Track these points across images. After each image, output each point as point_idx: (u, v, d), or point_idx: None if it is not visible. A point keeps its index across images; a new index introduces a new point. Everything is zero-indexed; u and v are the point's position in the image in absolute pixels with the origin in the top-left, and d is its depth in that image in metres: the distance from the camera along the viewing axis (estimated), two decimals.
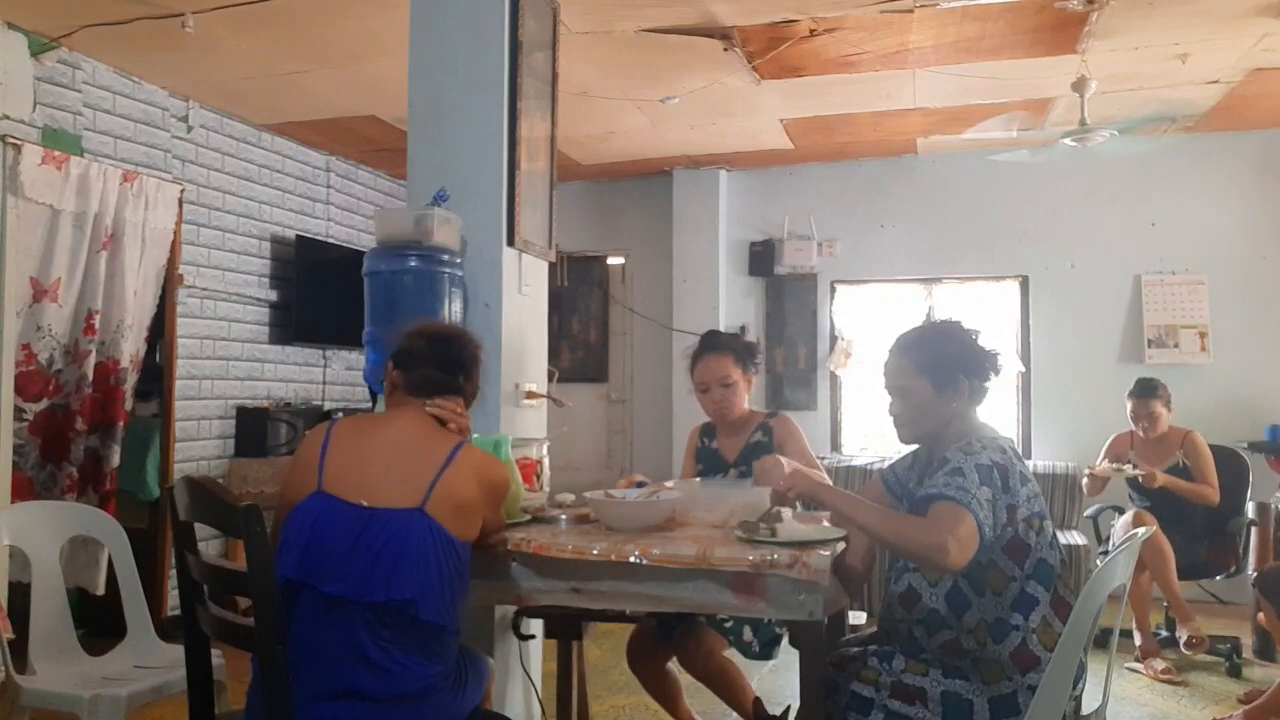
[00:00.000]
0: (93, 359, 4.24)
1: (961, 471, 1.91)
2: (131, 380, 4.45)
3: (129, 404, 4.45)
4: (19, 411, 3.99)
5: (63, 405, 4.15)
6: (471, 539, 1.96)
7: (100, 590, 4.00)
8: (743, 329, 6.41)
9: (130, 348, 4.41)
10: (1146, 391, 4.51)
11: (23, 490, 3.97)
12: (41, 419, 4.07)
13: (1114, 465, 4.51)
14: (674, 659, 2.90)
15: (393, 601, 1.80)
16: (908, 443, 2.18)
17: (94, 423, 4.29)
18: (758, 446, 2.94)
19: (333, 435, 1.96)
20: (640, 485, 2.51)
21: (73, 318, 4.17)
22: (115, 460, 4.34)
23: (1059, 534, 5.14)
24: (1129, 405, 4.56)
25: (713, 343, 3.01)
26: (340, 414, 4.92)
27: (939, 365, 2.07)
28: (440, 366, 2.07)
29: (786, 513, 2.12)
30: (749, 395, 3.00)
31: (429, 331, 2.15)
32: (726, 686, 2.77)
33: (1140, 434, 4.54)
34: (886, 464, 2.54)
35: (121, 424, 4.38)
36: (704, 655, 2.73)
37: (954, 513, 1.85)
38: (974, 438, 2.01)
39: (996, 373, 2.12)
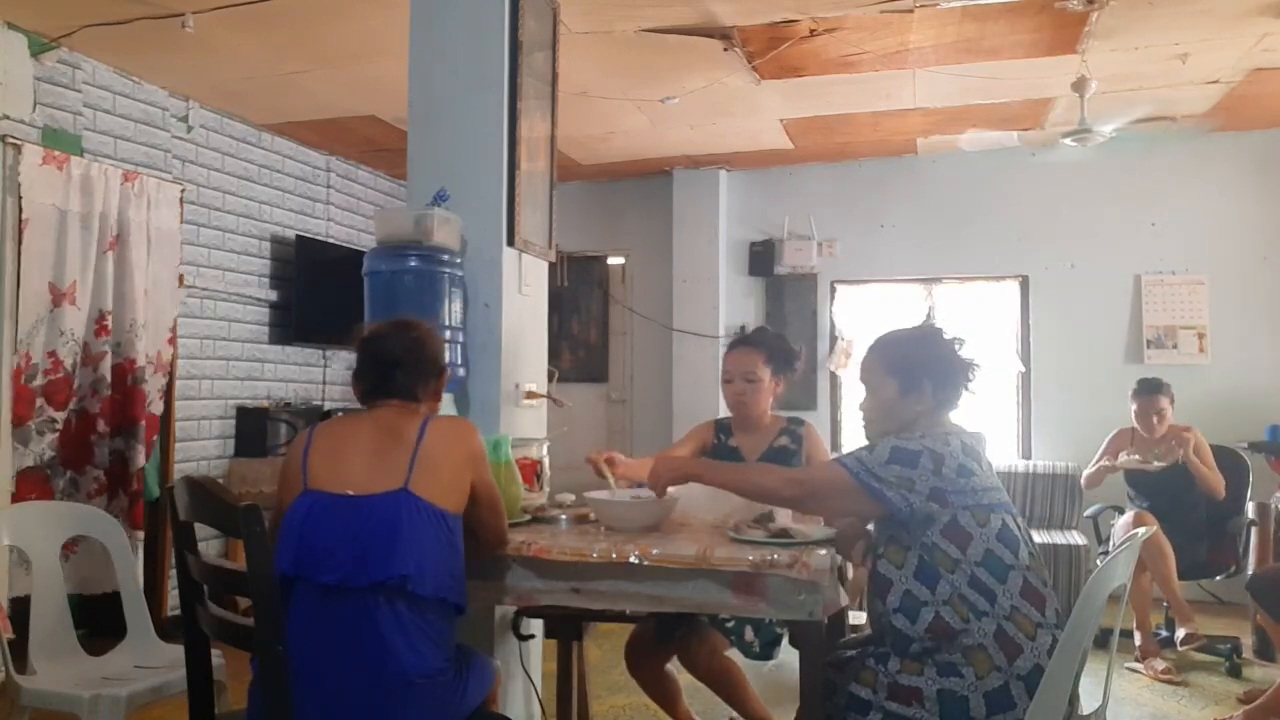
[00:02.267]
0: (109, 360, 4.23)
1: (873, 448, 2.02)
2: (157, 382, 4.43)
3: (157, 406, 4.43)
4: (51, 422, 3.95)
5: (79, 410, 4.13)
6: (460, 509, 1.98)
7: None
8: (743, 329, 6.41)
9: (147, 348, 4.39)
10: (1153, 389, 4.52)
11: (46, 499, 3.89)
12: (66, 425, 4.04)
13: (1137, 457, 4.46)
14: (673, 660, 2.90)
15: (390, 580, 1.83)
16: (871, 438, 2.19)
17: (116, 424, 4.28)
18: (783, 450, 2.93)
19: (314, 437, 2.02)
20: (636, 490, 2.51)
21: (86, 320, 4.16)
22: (140, 460, 4.31)
23: (1060, 534, 5.15)
24: (1134, 405, 4.55)
25: (748, 337, 3.04)
26: (340, 412, 4.92)
27: (905, 369, 2.13)
28: (374, 370, 2.11)
29: (785, 513, 2.12)
30: (775, 399, 2.98)
31: (367, 335, 2.19)
32: (729, 687, 2.77)
33: (1144, 433, 4.54)
34: None
35: (144, 424, 4.33)
36: (707, 654, 2.73)
37: (826, 466, 2.06)
38: (925, 430, 2.07)
39: (969, 383, 2.15)
